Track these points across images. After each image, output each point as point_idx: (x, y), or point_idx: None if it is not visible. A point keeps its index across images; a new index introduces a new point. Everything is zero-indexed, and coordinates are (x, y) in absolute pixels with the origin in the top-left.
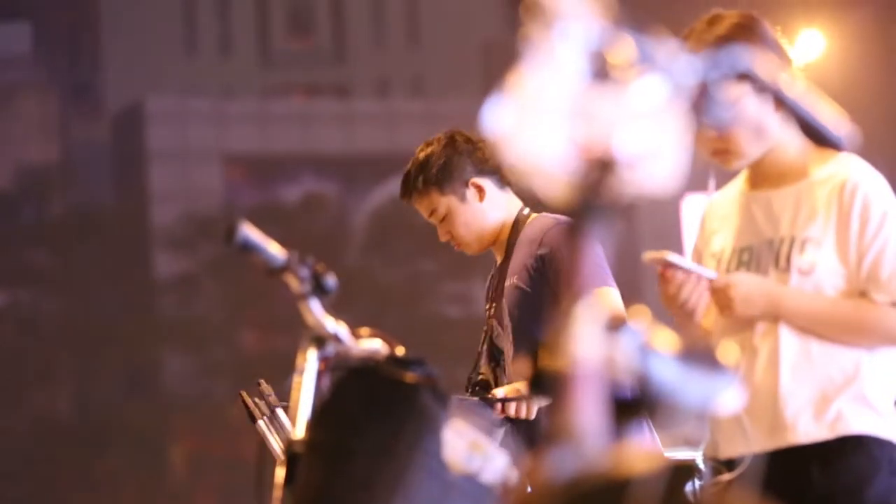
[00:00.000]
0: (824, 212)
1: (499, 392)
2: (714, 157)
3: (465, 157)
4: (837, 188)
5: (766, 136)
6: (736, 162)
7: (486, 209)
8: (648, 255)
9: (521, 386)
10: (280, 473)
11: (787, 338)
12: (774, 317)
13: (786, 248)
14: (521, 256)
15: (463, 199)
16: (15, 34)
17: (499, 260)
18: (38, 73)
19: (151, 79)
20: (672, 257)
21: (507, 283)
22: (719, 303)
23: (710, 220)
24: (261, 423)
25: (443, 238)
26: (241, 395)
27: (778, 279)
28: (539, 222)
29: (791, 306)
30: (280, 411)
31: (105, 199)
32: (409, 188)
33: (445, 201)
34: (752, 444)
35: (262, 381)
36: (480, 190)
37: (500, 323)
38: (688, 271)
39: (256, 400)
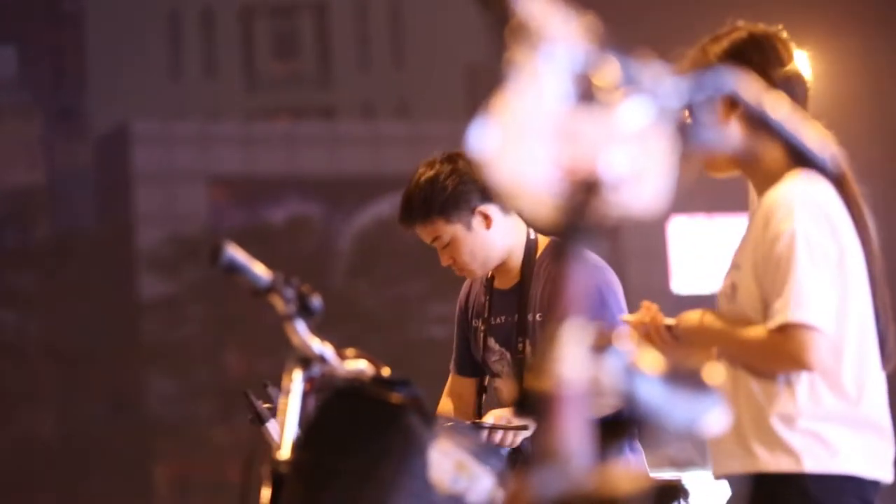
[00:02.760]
0: (747, 233)
1: (489, 419)
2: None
3: (471, 183)
4: (758, 208)
5: (728, 137)
6: (712, 174)
7: (492, 237)
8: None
9: (508, 413)
10: (265, 495)
11: (721, 369)
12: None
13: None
14: (542, 288)
15: (469, 227)
16: None
17: (501, 285)
18: (23, 96)
19: (136, 102)
20: (625, 317)
21: (530, 318)
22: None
23: None
24: (269, 425)
25: (445, 263)
26: (246, 395)
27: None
28: (557, 272)
29: (704, 334)
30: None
31: (89, 221)
32: (412, 216)
33: (451, 230)
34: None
35: (269, 383)
36: (487, 218)
37: (520, 356)
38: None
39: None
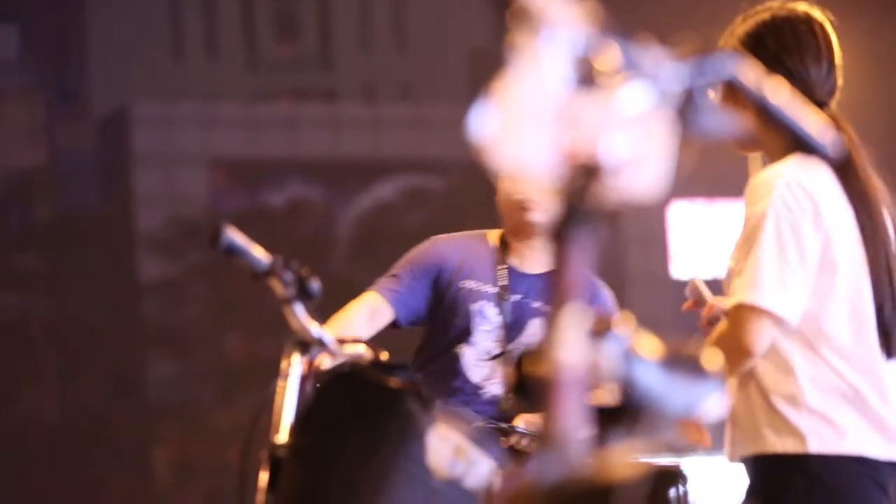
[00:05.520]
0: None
1: (519, 423)
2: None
3: None
4: None
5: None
6: (741, 152)
7: None
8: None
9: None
10: (263, 478)
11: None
12: None
13: None
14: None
15: None
16: (1, 38)
17: (526, 267)
18: (25, 77)
19: (138, 84)
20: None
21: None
22: None
23: None
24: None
25: None
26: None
27: None
28: (588, 273)
29: None
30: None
31: (91, 203)
32: None
33: None
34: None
35: None
36: None
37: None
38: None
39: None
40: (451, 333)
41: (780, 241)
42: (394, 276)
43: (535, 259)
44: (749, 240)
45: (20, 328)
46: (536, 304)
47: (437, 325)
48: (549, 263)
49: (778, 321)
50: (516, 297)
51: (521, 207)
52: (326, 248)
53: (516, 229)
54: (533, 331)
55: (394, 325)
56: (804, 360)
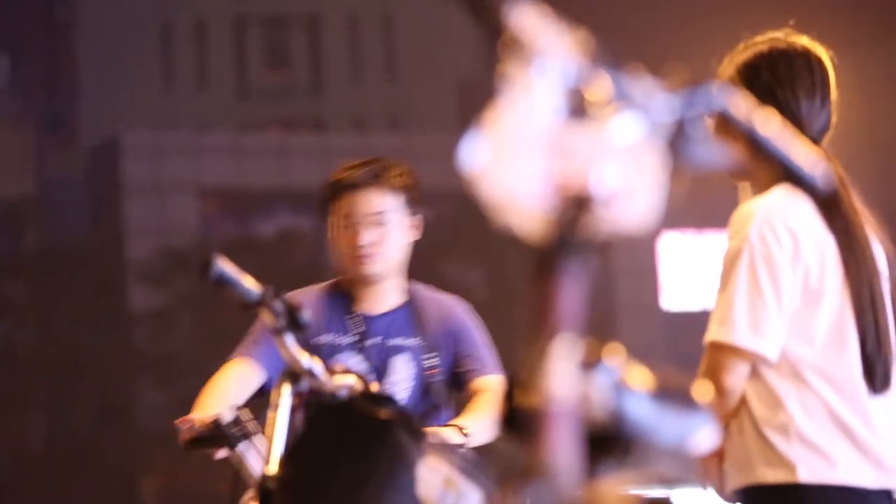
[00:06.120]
0: None
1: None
2: None
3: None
4: None
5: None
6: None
7: (406, 250)
8: None
9: (446, 430)
10: None
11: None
12: None
13: None
14: (434, 333)
15: (406, 225)
16: None
17: (374, 310)
18: (14, 105)
19: (127, 112)
20: None
21: (423, 361)
22: None
23: None
24: (240, 447)
25: (364, 241)
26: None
27: None
28: (435, 296)
29: None
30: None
31: (80, 232)
32: (379, 176)
33: (397, 217)
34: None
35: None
36: (418, 230)
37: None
38: None
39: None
40: None
41: (754, 276)
42: (254, 340)
43: (382, 300)
44: (725, 275)
45: (8, 356)
46: (395, 342)
47: None
48: (400, 299)
49: (753, 358)
50: (375, 341)
51: (357, 259)
52: (316, 278)
53: (355, 278)
54: (399, 367)
55: (261, 390)
56: (793, 390)
